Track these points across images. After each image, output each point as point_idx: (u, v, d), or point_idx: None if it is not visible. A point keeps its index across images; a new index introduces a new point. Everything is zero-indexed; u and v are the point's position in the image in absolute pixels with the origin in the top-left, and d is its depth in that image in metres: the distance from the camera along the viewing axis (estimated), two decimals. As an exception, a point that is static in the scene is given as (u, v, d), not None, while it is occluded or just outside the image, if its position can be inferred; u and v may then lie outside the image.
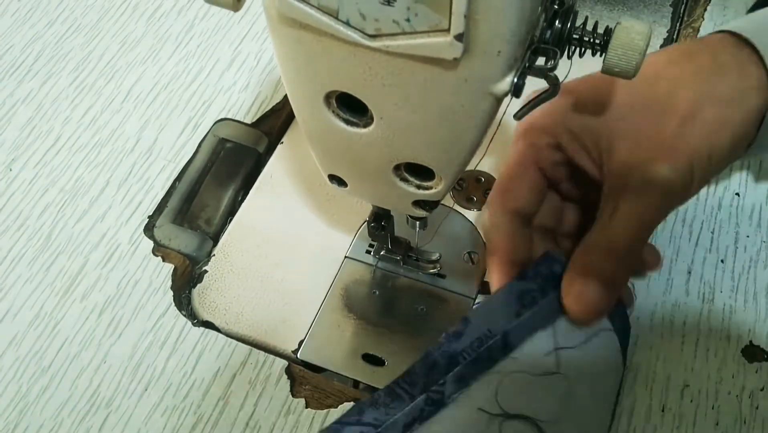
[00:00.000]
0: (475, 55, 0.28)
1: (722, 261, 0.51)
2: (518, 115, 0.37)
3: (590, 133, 0.39)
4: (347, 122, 0.35)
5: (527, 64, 0.30)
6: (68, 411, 0.47)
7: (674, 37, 0.64)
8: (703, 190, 0.54)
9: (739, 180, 0.55)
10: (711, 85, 0.37)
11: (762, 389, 0.46)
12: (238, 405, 0.47)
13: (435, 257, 0.51)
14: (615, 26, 0.31)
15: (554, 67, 0.31)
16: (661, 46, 0.64)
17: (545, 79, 0.32)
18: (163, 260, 0.53)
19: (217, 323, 0.51)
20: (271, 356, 0.49)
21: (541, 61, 0.32)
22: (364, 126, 0.34)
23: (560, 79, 0.32)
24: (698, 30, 0.63)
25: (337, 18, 0.28)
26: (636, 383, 0.47)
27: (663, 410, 0.46)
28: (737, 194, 0.54)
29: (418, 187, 0.38)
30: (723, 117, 0.37)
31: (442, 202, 0.42)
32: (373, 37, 0.28)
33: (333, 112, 0.35)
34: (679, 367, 0.47)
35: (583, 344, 0.38)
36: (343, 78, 0.32)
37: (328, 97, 0.34)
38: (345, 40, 0.29)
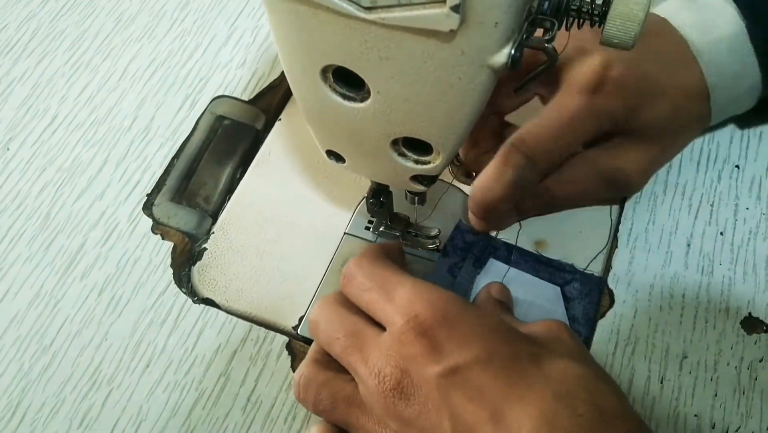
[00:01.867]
0: (471, 27, 0.28)
1: (721, 233, 0.51)
2: (517, 89, 0.37)
3: None
4: (344, 97, 0.35)
5: (525, 36, 0.30)
6: (70, 389, 0.47)
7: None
8: (703, 163, 0.54)
9: (738, 152, 0.55)
10: None
11: (761, 361, 0.46)
12: (239, 381, 0.47)
13: (434, 232, 0.51)
14: (613, -3, 0.31)
15: (552, 39, 0.31)
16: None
17: (543, 51, 0.31)
18: (163, 238, 0.53)
19: (217, 300, 0.51)
20: (272, 333, 0.49)
21: (538, 33, 0.31)
22: (361, 101, 0.34)
23: (558, 52, 0.32)
24: None
25: (332, -10, 0.28)
26: (634, 355, 0.47)
27: (662, 382, 0.46)
28: (737, 167, 0.54)
29: (416, 162, 0.38)
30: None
31: (441, 177, 0.42)
32: (368, 9, 0.28)
33: (329, 86, 0.35)
34: (678, 339, 0.47)
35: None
36: (339, 52, 0.32)
37: (324, 72, 0.34)
38: (340, 12, 0.28)
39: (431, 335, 0.36)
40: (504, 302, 0.47)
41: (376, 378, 0.36)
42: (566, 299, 0.48)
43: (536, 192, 0.44)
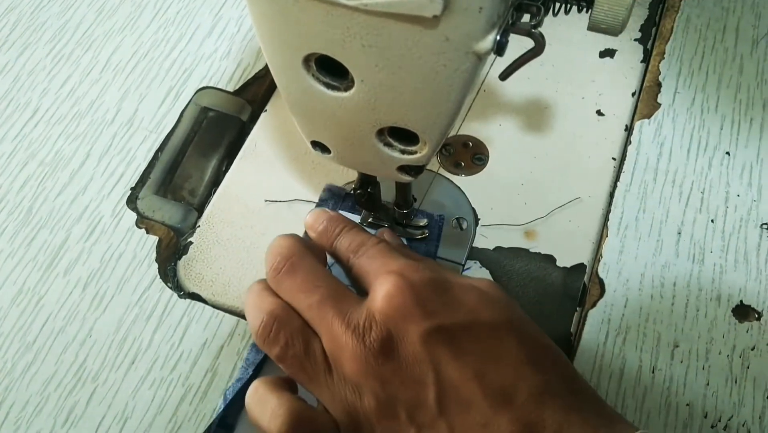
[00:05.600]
0: (456, 12, 0.27)
1: (712, 221, 0.51)
2: (503, 76, 0.37)
3: None
4: (327, 86, 0.34)
5: (510, 22, 0.29)
6: (54, 386, 0.47)
7: (663, -6, 0.63)
8: (693, 149, 0.54)
9: (729, 139, 0.54)
10: None
11: (753, 349, 0.46)
12: (226, 376, 0.47)
13: (423, 222, 0.51)
14: (601, -20, 0.30)
15: (538, 24, 0.30)
16: (650, 4, 0.63)
17: (530, 36, 0.31)
18: (147, 232, 0.52)
19: (203, 294, 0.50)
20: (259, 327, 0.48)
21: (526, 18, 0.31)
22: (345, 90, 0.34)
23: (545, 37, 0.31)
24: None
25: (311, -24, 0.27)
26: (626, 345, 0.47)
27: (653, 371, 0.46)
28: (728, 153, 0.54)
29: (403, 152, 0.37)
30: None
31: (429, 168, 0.41)
32: (349, -5, 0.27)
33: (312, 76, 0.34)
34: (669, 328, 0.47)
35: None
36: (321, 40, 0.31)
37: (306, 61, 0.33)
38: (321, -1, 0.28)
39: (420, 293, 0.36)
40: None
41: (354, 334, 0.36)
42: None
43: None
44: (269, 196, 0.54)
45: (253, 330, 0.38)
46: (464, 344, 0.36)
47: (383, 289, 0.36)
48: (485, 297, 0.38)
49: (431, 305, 0.36)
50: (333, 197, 0.52)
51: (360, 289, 0.40)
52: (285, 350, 0.37)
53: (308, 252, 0.40)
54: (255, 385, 0.38)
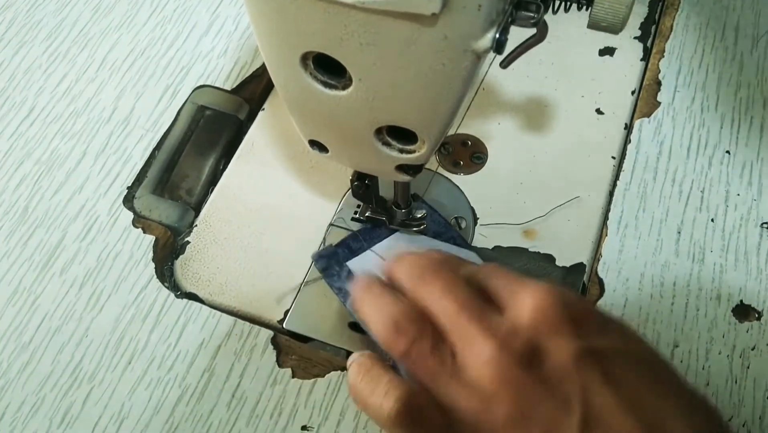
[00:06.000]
0: (454, 10, 0.27)
1: (712, 220, 0.51)
2: (504, 64, 0.36)
3: None
4: (325, 85, 0.34)
5: (509, 19, 0.29)
6: (50, 386, 0.46)
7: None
8: (693, 149, 0.54)
9: (729, 137, 0.54)
10: None
11: (753, 349, 0.46)
12: (223, 376, 0.46)
13: (420, 214, 0.50)
14: (601, -22, 0.30)
15: (538, 22, 0.30)
16: (650, 2, 0.63)
17: (534, 27, 0.30)
18: (144, 232, 0.52)
19: (200, 294, 0.50)
20: (257, 327, 0.48)
21: (524, 15, 0.30)
22: (343, 88, 0.33)
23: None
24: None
25: (308, -27, 0.26)
26: (626, 345, 0.46)
27: (653, 372, 0.45)
28: (728, 152, 0.53)
29: (401, 151, 0.37)
30: None
31: (427, 167, 0.41)
32: (347, -8, 0.27)
33: (310, 74, 0.33)
34: (669, 327, 0.47)
35: None
36: (318, 38, 0.31)
37: (304, 59, 0.33)
38: (318, -4, 0.27)
39: (572, 310, 0.34)
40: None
41: (494, 338, 0.33)
42: None
43: None
44: (267, 195, 0.53)
45: (385, 323, 0.36)
46: (618, 370, 0.33)
47: (532, 301, 0.34)
48: (629, 329, 0.36)
49: (584, 324, 0.34)
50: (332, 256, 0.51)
51: None
52: (411, 345, 0.35)
53: (445, 263, 0.38)
54: (364, 362, 0.37)
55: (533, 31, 0.31)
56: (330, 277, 0.49)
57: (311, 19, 0.29)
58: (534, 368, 0.32)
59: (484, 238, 0.51)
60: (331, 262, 0.49)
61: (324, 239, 0.51)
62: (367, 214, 0.50)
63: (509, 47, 0.31)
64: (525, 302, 0.34)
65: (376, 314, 0.37)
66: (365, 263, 0.49)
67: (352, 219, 0.52)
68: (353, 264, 0.49)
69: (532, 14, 0.30)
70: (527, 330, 0.33)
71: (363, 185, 0.46)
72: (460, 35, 0.28)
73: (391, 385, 0.35)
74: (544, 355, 0.33)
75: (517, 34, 0.31)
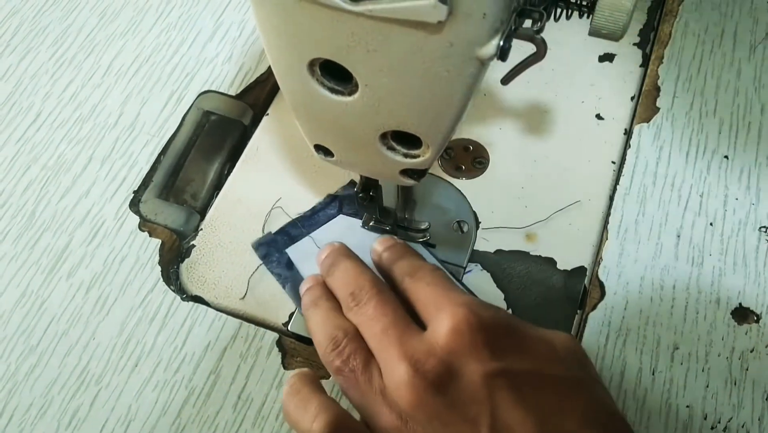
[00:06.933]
0: (459, 18, 0.27)
1: (711, 224, 0.51)
2: (504, 81, 0.37)
3: None
4: (332, 91, 0.34)
5: (513, 27, 0.30)
6: (58, 389, 0.47)
7: (662, -1, 0.64)
8: (692, 153, 0.54)
9: (727, 143, 0.55)
10: None
11: (752, 351, 0.46)
12: (229, 378, 0.47)
13: (424, 225, 0.51)
14: (602, -13, 0.31)
15: (541, 30, 0.31)
16: (649, 9, 0.64)
17: (532, 42, 0.31)
18: (150, 236, 0.53)
19: (206, 297, 0.50)
20: (262, 329, 0.48)
21: (527, 24, 0.31)
22: (349, 94, 0.34)
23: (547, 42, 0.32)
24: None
25: (317, -18, 0.27)
26: (626, 347, 0.47)
27: (653, 373, 0.46)
28: (726, 157, 0.54)
29: (406, 155, 0.38)
30: None
31: (430, 171, 0.41)
32: (355, 1, 0.27)
33: (317, 80, 0.34)
34: (669, 330, 0.47)
35: None
36: (325, 45, 0.31)
37: (311, 65, 0.33)
38: (327, 4, 0.28)
39: (489, 333, 0.35)
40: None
41: (410, 363, 0.35)
42: None
43: None
44: (271, 199, 0.54)
45: (323, 341, 0.39)
46: (528, 393, 0.34)
47: (450, 322, 0.36)
48: (556, 351, 0.37)
49: (499, 347, 0.35)
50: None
51: (411, 313, 0.40)
52: (345, 364, 0.38)
53: (382, 283, 0.41)
54: (295, 384, 0.39)
55: (533, 49, 0.32)
56: (270, 264, 0.51)
57: (319, 27, 0.30)
58: (446, 391, 0.34)
59: (486, 242, 0.52)
60: (271, 249, 0.52)
61: (263, 227, 0.52)
62: (371, 224, 0.51)
63: (509, 62, 0.31)
64: (443, 323, 0.36)
65: (319, 330, 0.40)
66: (304, 249, 0.51)
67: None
68: (292, 251, 0.51)
69: (534, 22, 0.31)
70: (442, 352, 0.35)
71: (368, 196, 0.47)
72: (466, 43, 0.29)
73: (320, 409, 0.37)
74: (457, 376, 0.34)
75: (517, 55, 0.31)
